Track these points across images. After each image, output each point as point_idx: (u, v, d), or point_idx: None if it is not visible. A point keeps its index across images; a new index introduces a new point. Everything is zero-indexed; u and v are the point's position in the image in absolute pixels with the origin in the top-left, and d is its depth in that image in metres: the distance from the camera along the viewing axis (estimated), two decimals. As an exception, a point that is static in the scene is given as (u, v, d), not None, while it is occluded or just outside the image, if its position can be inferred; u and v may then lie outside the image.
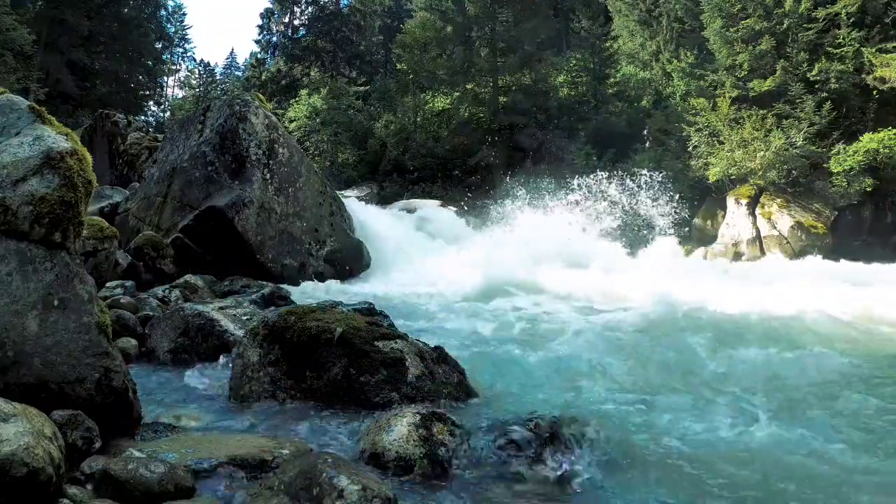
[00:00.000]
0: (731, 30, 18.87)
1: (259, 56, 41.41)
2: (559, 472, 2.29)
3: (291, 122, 27.81)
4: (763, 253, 16.03)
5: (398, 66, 29.52)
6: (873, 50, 16.57)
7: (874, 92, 16.76)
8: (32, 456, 1.66)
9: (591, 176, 14.53)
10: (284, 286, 6.72)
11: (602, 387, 3.47)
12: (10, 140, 2.37)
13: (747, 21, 18.58)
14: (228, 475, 2.09)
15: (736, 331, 5.06)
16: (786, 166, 16.72)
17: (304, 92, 29.77)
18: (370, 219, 11.26)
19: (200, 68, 49.17)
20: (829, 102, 16.88)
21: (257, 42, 41.79)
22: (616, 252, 13.03)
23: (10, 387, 2.07)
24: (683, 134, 19.29)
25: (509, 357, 4.20)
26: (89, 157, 2.51)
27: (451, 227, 13.73)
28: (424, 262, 10.39)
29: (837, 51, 17.13)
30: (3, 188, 2.23)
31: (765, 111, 17.81)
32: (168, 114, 42.57)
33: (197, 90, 45.06)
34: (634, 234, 15.26)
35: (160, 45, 40.25)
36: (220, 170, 8.26)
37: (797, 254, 15.42)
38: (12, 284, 2.19)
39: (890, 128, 15.88)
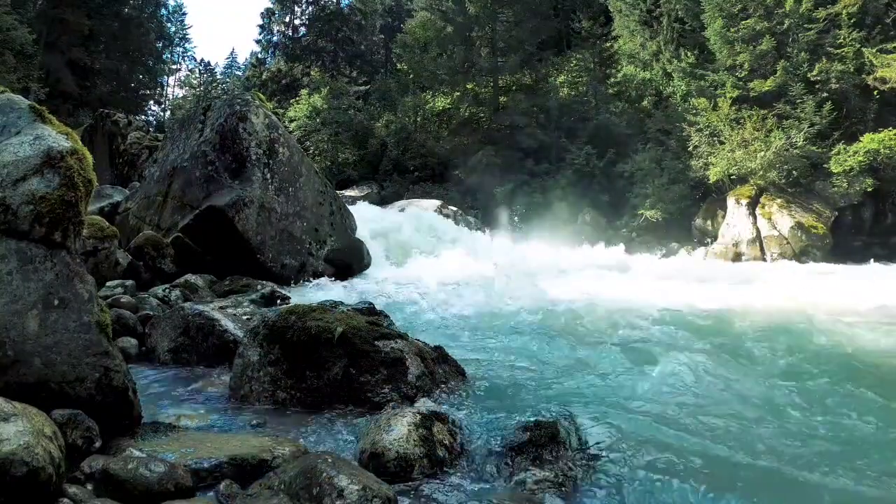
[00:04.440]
0: (732, 30, 18.85)
1: (259, 56, 41.42)
2: (558, 473, 2.29)
3: (292, 121, 27.78)
4: (763, 253, 16.02)
5: (398, 66, 29.52)
6: (874, 50, 16.56)
7: (875, 92, 16.75)
8: (32, 455, 1.66)
9: None
10: (284, 286, 6.72)
11: (602, 386, 3.47)
12: (11, 139, 2.37)
13: (748, 21, 18.57)
14: (228, 475, 2.08)
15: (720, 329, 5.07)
16: (786, 166, 16.71)
17: (304, 92, 29.72)
18: (373, 218, 11.30)
19: (201, 68, 49.07)
20: (829, 103, 16.88)
21: (258, 42, 41.90)
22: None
23: (11, 386, 2.07)
24: (684, 134, 19.29)
25: (510, 356, 4.20)
26: (89, 157, 2.51)
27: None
28: (426, 262, 10.40)
29: (838, 51, 17.13)
30: (3, 187, 2.23)
31: (765, 111, 17.80)
32: (168, 113, 42.54)
33: (197, 90, 44.95)
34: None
35: (160, 45, 40.21)
36: (221, 169, 8.26)
37: (797, 254, 15.41)
38: (12, 284, 2.19)
39: (890, 128, 15.87)
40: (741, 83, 18.53)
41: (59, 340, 2.23)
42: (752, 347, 4.52)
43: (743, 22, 18.66)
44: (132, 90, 35.89)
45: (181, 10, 45.85)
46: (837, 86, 17.00)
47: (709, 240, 17.97)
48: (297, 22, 40.95)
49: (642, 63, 24.37)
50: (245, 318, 4.14)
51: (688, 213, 18.93)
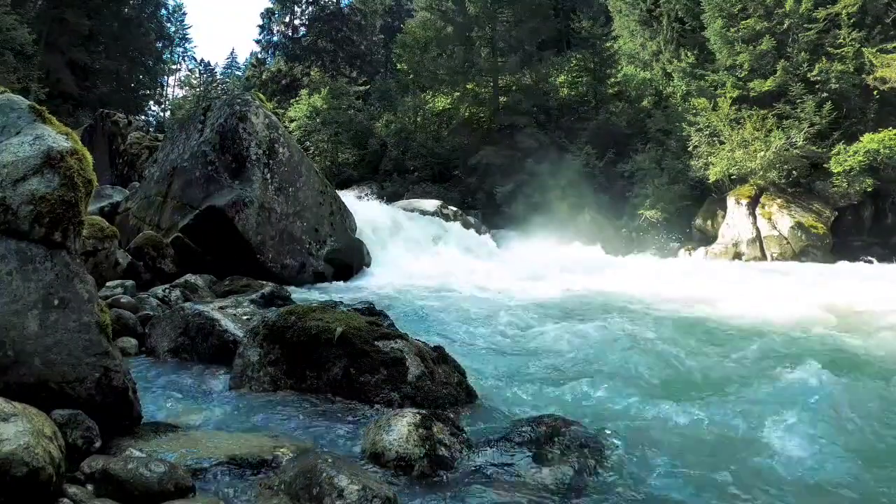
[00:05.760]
0: (732, 30, 18.86)
1: (259, 56, 41.39)
2: (559, 472, 2.29)
3: (292, 121, 27.76)
4: (763, 253, 16.02)
5: (398, 66, 29.48)
6: (874, 50, 16.56)
7: (875, 92, 16.76)
8: (32, 455, 1.66)
9: None
10: (284, 286, 6.71)
11: (601, 386, 3.46)
12: (11, 139, 2.37)
13: (748, 21, 18.57)
14: (228, 475, 2.08)
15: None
16: (786, 166, 16.72)
17: (304, 92, 29.71)
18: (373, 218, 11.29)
19: (201, 68, 49.00)
20: (829, 103, 16.88)
21: (258, 42, 41.88)
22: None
23: (11, 386, 2.06)
24: (683, 134, 19.28)
25: (510, 356, 4.20)
26: (89, 157, 2.51)
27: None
28: (426, 262, 10.41)
29: (838, 51, 17.13)
30: (3, 187, 2.23)
31: (765, 111, 17.81)
32: (168, 113, 42.51)
33: (197, 90, 44.88)
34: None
35: (160, 45, 40.18)
36: (221, 169, 8.26)
37: (797, 254, 15.41)
38: (12, 284, 2.19)
39: (890, 128, 15.87)
40: (741, 83, 18.54)
41: (59, 340, 2.23)
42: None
43: (743, 22, 18.66)
44: (132, 90, 35.86)
45: (181, 10, 45.80)
46: (837, 86, 17.00)
47: (708, 240, 17.97)
48: (297, 22, 40.97)
49: (642, 63, 24.36)
50: (245, 318, 4.14)
51: (688, 213, 18.92)
